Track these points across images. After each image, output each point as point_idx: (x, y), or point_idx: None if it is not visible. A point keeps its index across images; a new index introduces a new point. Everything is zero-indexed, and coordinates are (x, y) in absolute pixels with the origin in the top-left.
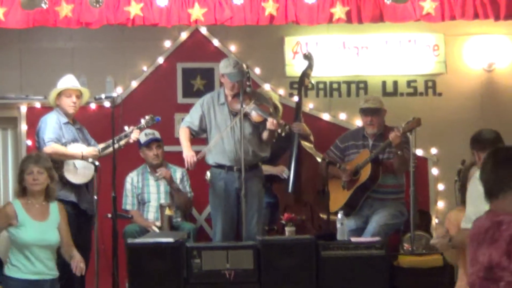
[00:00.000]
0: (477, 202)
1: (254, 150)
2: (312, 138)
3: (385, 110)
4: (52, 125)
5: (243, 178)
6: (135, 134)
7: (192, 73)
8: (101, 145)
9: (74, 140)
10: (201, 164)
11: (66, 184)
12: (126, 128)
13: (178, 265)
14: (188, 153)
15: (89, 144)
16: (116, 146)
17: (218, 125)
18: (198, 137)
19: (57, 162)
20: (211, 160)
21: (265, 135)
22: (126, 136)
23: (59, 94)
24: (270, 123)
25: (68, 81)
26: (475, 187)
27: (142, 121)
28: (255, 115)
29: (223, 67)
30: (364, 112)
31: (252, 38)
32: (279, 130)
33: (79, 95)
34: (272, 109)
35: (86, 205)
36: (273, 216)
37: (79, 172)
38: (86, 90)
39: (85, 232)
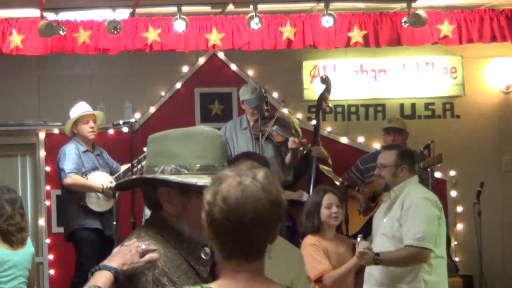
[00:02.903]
0: (432, 222)
1: (277, 173)
2: (330, 161)
3: (408, 133)
4: (71, 156)
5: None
6: None
7: (210, 98)
8: (125, 166)
9: (94, 168)
10: None
11: (90, 211)
12: (145, 149)
13: None
14: None
15: (111, 168)
16: (139, 167)
17: (241, 149)
18: None
19: (79, 192)
20: None
21: (288, 157)
22: (145, 158)
23: (75, 123)
24: (292, 141)
25: (81, 108)
26: (427, 207)
27: None
28: (276, 135)
29: (242, 94)
30: (388, 131)
31: (270, 63)
32: (301, 148)
33: (95, 119)
34: (294, 130)
35: (110, 231)
36: (291, 240)
37: (102, 200)
38: (100, 113)
39: None
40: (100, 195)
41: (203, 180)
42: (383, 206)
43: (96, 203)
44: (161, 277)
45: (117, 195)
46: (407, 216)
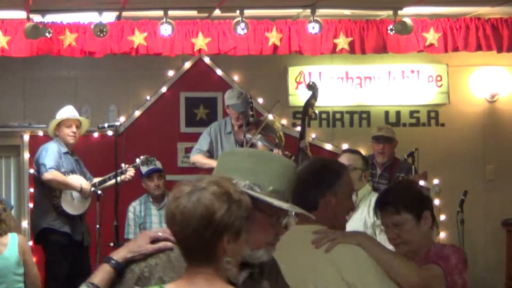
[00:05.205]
0: None
1: None
2: None
3: (397, 141)
4: (53, 153)
5: None
6: (130, 173)
7: (195, 102)
8: (98, 179)
9: (73, 171)
10: None
11: (61, 214)
12: (122, 165)
13: None
14: None
15: (85, 177)
16: (112, 182)
17: None
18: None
19: (56, 191)
20: None
21: None
22: (122, 173)
23: (59, 125)
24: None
25: (68, 111)
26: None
27: (137, 161)
28: (260, 146)
29: (228, 99)
30: (377, 139)
31: (256, 68)
32: None
33: (79, 125)
34: (279, 139)
35: (79, 236)
36: None
37: (76, 204)
38: (86, 120)
39: (82, 262)
40: (75, 197)
41: (276, 202)
42: None
43: (70, 204)
44: (150, 274)
45: (99, 193)
46: None
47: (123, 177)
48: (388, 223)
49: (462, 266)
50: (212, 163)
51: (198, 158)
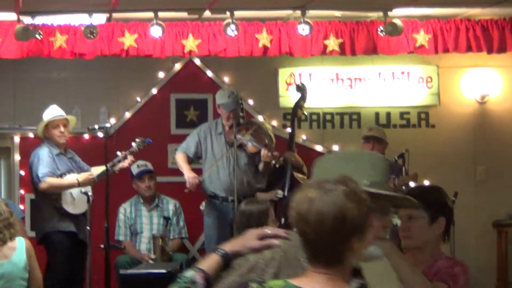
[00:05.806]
0: None
1: (249, 181)
2: (305, 169)
3: (387, 143)
4: (44, 159)
5: (237, 209)
6: (129, 160)
7: (185, 104)
8: (96, 170)
9: (69, 171)
10: (194, 194)
11: (65, 215)
12: (118, 153)
13: None
14: (190, 174)
15: (82, 171)
16: (111, 171)
17: (215, 154)
18: (192, 164)
19: (55, 194)
20: (207, 189)
21: (261, 166)
22: (119, 161)
23: (46, 126)
24: (264, 154)
25: (52, 112)
26: None
27: (134, 145)
28: (250, 146)
29: (218, 98)
30: (367, 139)
31: (246, 70)
32: (274, 162)
33: (66, 124)
34: (268, 140)
35: (83, 235)
36: None
37: (77, 202)
38: (72, 117)
39: (81, 262)
40: (75, 196)
41: (373, 190)
42: None
43: (71, 204)
44: (265, 267)
45: (90, 200)
46: None
47: (121, 165)
48: (404, 215)
49: (466, 286)
50: (184, 169)
51: (178, 157)
